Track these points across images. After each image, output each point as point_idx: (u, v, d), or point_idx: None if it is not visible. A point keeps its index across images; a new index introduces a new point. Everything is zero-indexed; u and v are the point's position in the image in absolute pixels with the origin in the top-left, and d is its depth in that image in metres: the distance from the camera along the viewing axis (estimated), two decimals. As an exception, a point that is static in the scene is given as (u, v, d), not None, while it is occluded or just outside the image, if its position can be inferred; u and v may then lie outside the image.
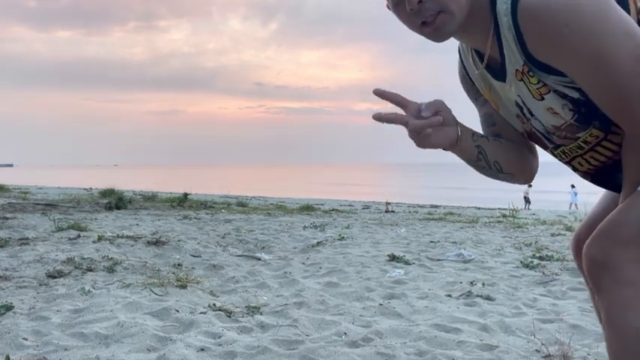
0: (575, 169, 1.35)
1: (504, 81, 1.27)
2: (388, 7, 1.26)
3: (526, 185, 24.99)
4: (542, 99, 1.23)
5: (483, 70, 1.33)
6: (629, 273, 1.09)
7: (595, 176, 1.32)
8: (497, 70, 1.28)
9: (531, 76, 1.20)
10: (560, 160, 1.37)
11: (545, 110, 1.25)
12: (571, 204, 22.57)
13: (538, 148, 1.44)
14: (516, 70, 1.22)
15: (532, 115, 1.30)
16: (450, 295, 3.42)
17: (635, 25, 1.10)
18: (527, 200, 24.45)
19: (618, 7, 1.10)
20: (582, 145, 1.27)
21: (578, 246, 1.47)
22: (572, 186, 23.89)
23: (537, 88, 1.22)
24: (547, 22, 1.10)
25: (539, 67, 1.18)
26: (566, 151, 1.32)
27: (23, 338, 2.42)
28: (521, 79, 1.23)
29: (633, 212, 1.13)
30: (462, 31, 1.24)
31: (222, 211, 9.94)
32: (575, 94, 1.19)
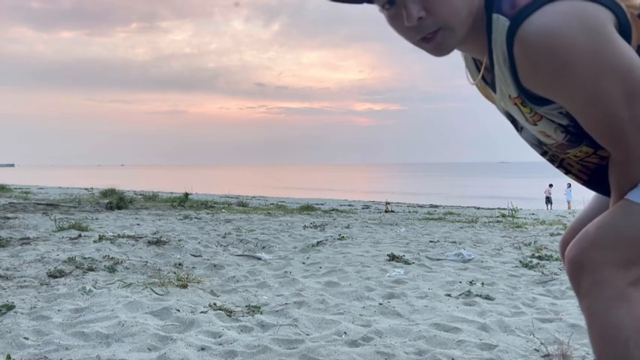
0: (567, 172, 1.36)
1: (495, 93, 1.28)
2: (380, 11, 1.19)
3: (547, 185, 24.98)
4: (536, 125, 1.25)
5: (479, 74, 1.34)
6: (608, 275, 1.12)
7: (588, 180, 1.34)
8: (490, 82, 1.28)
9: (524, 106, 1.21)
10: (550, 163, 1.38)
11: (538, 132, 1.27)
12: (568, 202, 22.57)
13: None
14: (509, 95, 1.22)
15: (522, 127, 1.32)
16: (449, 295, 3.43)
17: (635, 60, 1.08)
18: (548, 200, 24.31)
19: (618, 42, 1.07)
20: (572, 157, 1.30)
21: (564, 248, 1.50)
22: (569, 184, 23.90)
23: (531, 116, 1.23)
24: (543, 61, 1.07)
25: (530, 99, 1.18)
26: (556, 155, 1.33)
27: (24, 337, 2.43)
28: (515, 104, 1.23)
29: (615, 218, 1.15)
30: (460, 43, 1.21)
31: (223, 210, 9.95)
32: (565, 121, 1.20)
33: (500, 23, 1.12)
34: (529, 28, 1.07)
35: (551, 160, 1.36)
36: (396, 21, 1.16)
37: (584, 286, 1.15)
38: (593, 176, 1.31)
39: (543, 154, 1.36)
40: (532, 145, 1.37)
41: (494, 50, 1.16)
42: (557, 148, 1.29)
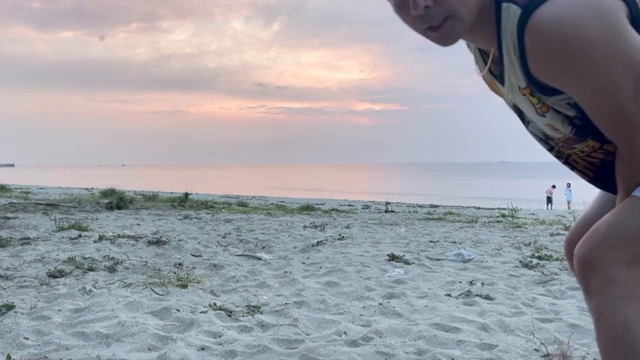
0: (573, 168, 1.36)
1: (503, 85, 1.28)
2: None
3: (550, 186, 25.13)
4: (544, 116, 1.24)
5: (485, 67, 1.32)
6: (618, 274, 1.11)
7: (593, 177, 1.34)
8: (498, 74, 1.27)
9: (532, 96, 1.20)
10: (557, 159, 1.38)
11: (546, 126, 1.27)
12: (568, 202, 22.62)
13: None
14: (518, 86, 1.21)
15: (529, 121, 1.32)
16: (449, 295, 3.43)
17: None
18: (549, 200, 24.46)
19: (630, 33, 1.07)
20: (579, 152, 1.30)
21: (569, 248, 1.49)
22: (568, 184, 24.01)
23: (539, 107, 1.23)
24: (555, 50, 1.07)
25: (539, 89, 1.17)
26: (562, 151, 1.33)
27: (24, 337, 2.43)
28: (524, 95, 1.22)
29: (624, 216, 1.15)
30: (466, 32, 1.20)
31: (223, 210, 9.95)
32: (572, 113, 1.20)
33: (512, 12, 1.11)
34: (541, 17, 1.06)
35: (558, 156, 1.35)
36: (403, 10, 1.15)
37: (594, 285, 1.14)
38: (599, 173, 1.31)
39: (550, 149, 1.36)
40: (539, 140, 1.36)
41: (504, 40, 1.15)
42: (563, 142, 1.28)
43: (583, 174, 1.34)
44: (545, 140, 1.34)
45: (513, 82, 1.22)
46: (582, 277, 1.17)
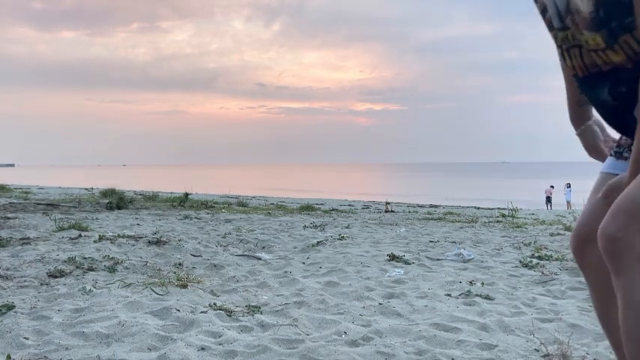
0: (570, 59, 1.34)
1: None
2: None
3: (549, 186, 25.20)
4: None
5: None
6: None
7: (583, 79, 1.32)
8: None
9: None
10: (561, 45, 1.36)
11: None
12: (568, 202, 22.65)
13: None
14: None
15: None
16: (449, 295, 3.43)
17: None
18: (549, 200, 24.57)
19: None
20: (583, 42, 1.29)
21: (577, 242, 1.46)
22: (568, 185, 24.07)
23: None
24: None
25: None
26: (569, 36, 1.32)
27: (24, 337, 2.44)
28: None
29: None
30: None
31: (223, 210, 9.95)
32: None
33: None
34: None
35: (564, 41, 1.34)
36: None
37: (624, 262, 1.12)
38: (591, 78, 1.30)
39: (562, 29, 1.33)
40: (556, 15, 1.33)
41: None
42: (578, 20, 1.27)
43: (575, 70, 1.34)
44: (563, 17, 1.32)
45: None
46: (610, 255, 1.14)
